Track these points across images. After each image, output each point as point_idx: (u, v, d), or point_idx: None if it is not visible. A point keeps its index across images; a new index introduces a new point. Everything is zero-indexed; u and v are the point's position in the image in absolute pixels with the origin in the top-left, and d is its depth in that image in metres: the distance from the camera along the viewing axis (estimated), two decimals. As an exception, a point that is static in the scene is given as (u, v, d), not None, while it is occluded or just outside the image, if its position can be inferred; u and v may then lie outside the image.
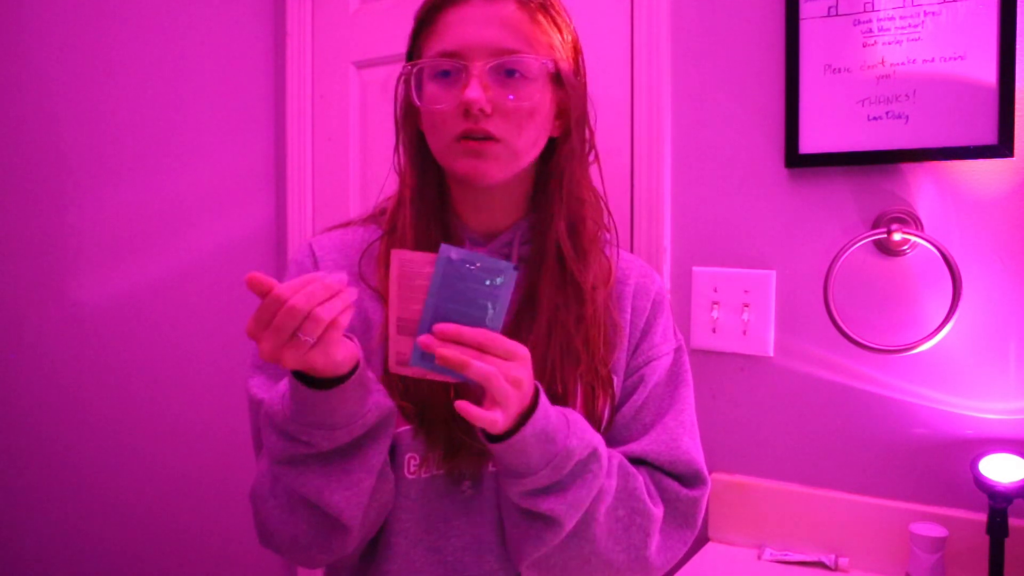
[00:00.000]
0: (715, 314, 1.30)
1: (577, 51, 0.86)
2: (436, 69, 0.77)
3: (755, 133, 1.27)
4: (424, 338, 0.64)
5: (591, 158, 0.86)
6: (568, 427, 0.72)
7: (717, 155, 1.30)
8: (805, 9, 1.20)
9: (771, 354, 1.26)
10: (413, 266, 0.63)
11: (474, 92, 0.74)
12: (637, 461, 0.82)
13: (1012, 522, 1.02)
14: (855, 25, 1.17)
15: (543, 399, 0.71)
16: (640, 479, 0.79)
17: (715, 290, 1.30)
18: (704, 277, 1.32)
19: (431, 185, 0.83)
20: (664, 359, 0.87)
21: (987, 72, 1.08)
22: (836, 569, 1.17)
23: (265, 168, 1.79)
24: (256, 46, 1.76)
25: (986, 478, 1.02)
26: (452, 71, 0.76)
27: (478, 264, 0.64)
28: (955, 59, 1.10)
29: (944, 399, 1.14)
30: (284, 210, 1.80)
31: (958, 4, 1.09)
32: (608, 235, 0.87)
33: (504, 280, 0.65)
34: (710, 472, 1.31)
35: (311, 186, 1.78)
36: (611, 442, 0.83)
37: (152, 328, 1.53)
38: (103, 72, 1.46)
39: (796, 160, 1.21)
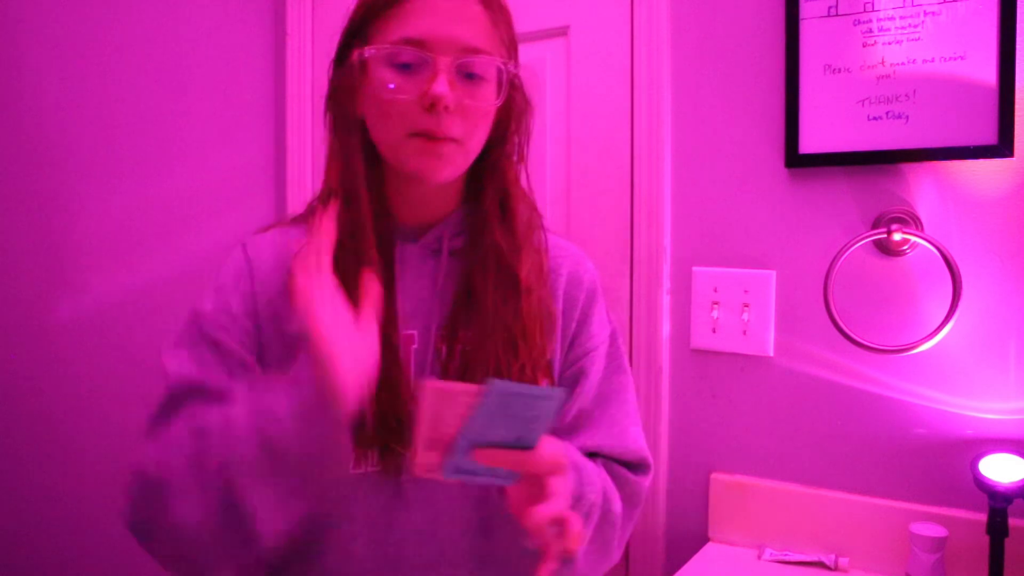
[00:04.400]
0: (715, 314, 1.30)
1: (518, 53, 0.84)
2: (398, 57, 0.74)
3: (755, 133, 1.27)
4: (483, 456, 0.63)
5: (517, 156, 0.86)
6: (580, 477, 0.74)
7: (717, 155, 1.30)
8: (805, 9, 1.20)
9: (771, 354, 1.26)
10: (450, 397, 0.61)
11: (442, 87, 0.72)
12: (590, 454, 0.83)
13: (1012, 522, 1.02)
14: (855, 25, 1.17)
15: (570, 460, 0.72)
16: (608, 478, 0.82)
17: (715, 290, 1.30)
18: (704, 277, 1.32)
19: (361, 178, 0.80)
20: (601, 348, 0.87)
21: (987, 72, 1.08)
22: (836, 569, 1.17)
23: (265, 168, 1.79)
24: (256, 46, 1.76)
25: (986, 478, 1.02)
26: (415, 62, 0.74)
27: (526, 395, 0.62)
28: (955, 59, 1.10)
29: (944, 399, 1.14)
30: (284, 210, 1.80)
31: (958, 4, 1.09)
32: (539, 221, 0.87)
33: (551, 406, 0.63)
34: (710, 472, 1.31)
35: (311, 186, 1.78)
36: (558, 436, 0.83)
37: (151, 328, 1.53)
38: (102, 72, 1.46)
39: (796, 160, 1.21)
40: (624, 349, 0.91)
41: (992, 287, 1.11)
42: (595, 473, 0.78)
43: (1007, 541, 1.02)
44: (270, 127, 1.80)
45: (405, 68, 0.74)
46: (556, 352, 0.85)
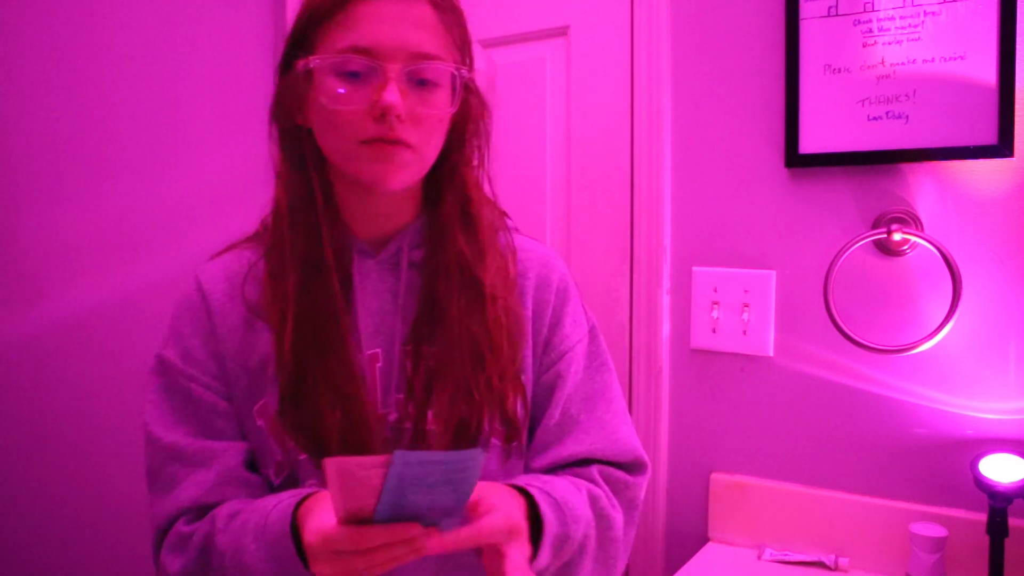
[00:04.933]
0: (715, 314, 1.30)
1: (472, 55, 0.81)
2: (345, 66, 0.71)
3: (755, 133, 1.27)
4: (435, 544, 0.59)
5: (477, 161, 0.82)
6: (563, 516, 0.72)
7: (717, 155, 1.30)
8: (805, 9, 1.20)
9: (771, 354, 1.26)
10: (358, 470, 0.57)
11: (393, 96, 0.69)
12: (585, 461, 0.81)
13: (1012, 522, 1.02)
14: (855, 25, 1.17)
15: (542, 507, 0.71)
16: (603, 494, 0.79)
17: (715, 290, 1.30)
18: (704, 277, 1.32)
19: (313, 191, 0.76)
20: (579, 347, 0.84)
21: (987, 72, 1.08)
22: (836, 569, 1.17)
23: (265, 168, 1.79)
24: (256, 46, 1.76)
25: (986, 478, 1.02)
26: (364, 71, 0.71)
27: (438, 462, 0.57)
28: (955, 59, 1.10)
29: (944, 399, 1.14)
30: (284, 210, 1.80)
31: (958, 4, 1.09)
32: (502, 223, 0.84)
33: (472, 467, 0.59)
34: (710, 472, 1.31)
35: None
36: (545, 445, 0.82)
37: (151, 330, 1.53)
38: (99, 72, 1.46)
39: (796, 160, 1.21)
40: (605, 346, 0.88)
41: (992, 287, 1.11)
42: (580, 503, 0.76)
43: (1007, 541, 1.02)
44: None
45: (353, 77, 0.71)
46: (529, 359, 0.82)
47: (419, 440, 0.76)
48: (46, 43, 1.38)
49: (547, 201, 1.52)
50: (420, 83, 0.73)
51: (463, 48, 0.78)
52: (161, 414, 0.77)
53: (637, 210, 1.38)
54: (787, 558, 1.21)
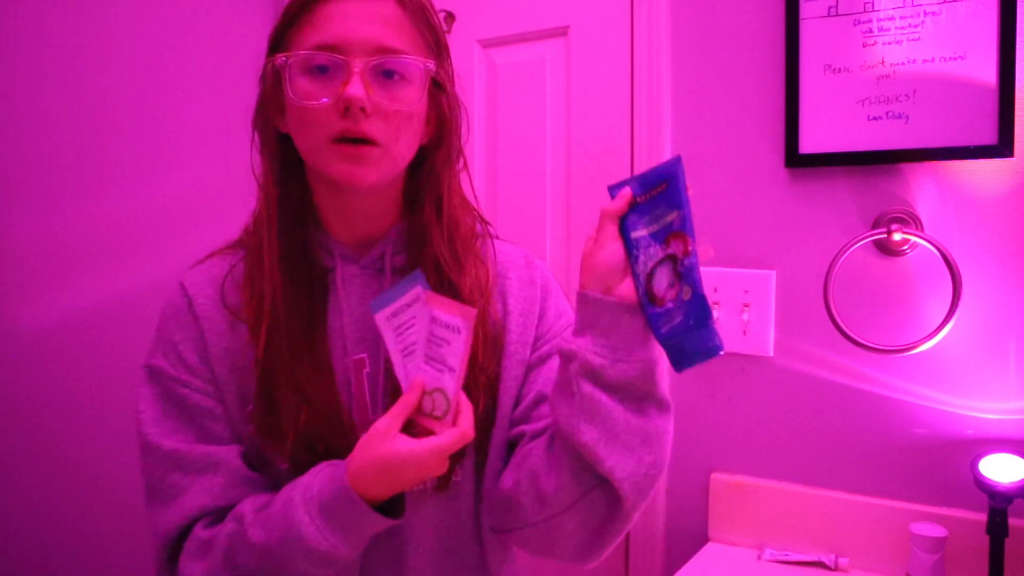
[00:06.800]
0: (715, 314, 1.30)
1: (449, 57, 0.82)
2: (312, 63, 0.73)
3: (755, 133, 1.27)
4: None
5: (460, 165, 0.84)
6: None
7: (717, 155, 1.31)
8: (805, 9, 1.20)
9: (771, 354, 1.26)
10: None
11: (356, 89, 0.70)
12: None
13: (1012, 522, 1.02)
14: (855, 25, 1.17)
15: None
16: None
17: (715, 290, 1.30)
18: (704, 277, 1.31)
19: (294, 194, 0.79)
20: (566, 333, 0.83)
21: (987, 72, 1.08)
22: (836, 569, 1.17)
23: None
24: (254, 51, 1.76)
25: (986, 478, 1.02)
26: (331, 67, 0.73)
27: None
28: (955, 59, 1.10)
29: (944, 399, 1.14)
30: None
31: (958, 4, 1.09)
32: (483, 229, 0.86)
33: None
34: (710, 472, 1.31)
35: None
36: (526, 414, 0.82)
37: (143, 332, 1.53)
38: (97, 74, 1.46)
39: (796, 160, 1.21)
40: None
41: (992, 287, 1.11)
42: None
43: (1007, 541, 1.02)
44: (270, 127, 1.79)
45: (321, 73, 0.73)
46: (525, 354, 0.83)
47: None
48: (43, 44, 1.38)
49: (547, 201, 1.52)
50: (387, 76, 0.73)
51: (436, 48, 0.78)
52: (157, 423, 0.77)
53: (637, 210, 1.38)
54: (787, 558, 1.21)
